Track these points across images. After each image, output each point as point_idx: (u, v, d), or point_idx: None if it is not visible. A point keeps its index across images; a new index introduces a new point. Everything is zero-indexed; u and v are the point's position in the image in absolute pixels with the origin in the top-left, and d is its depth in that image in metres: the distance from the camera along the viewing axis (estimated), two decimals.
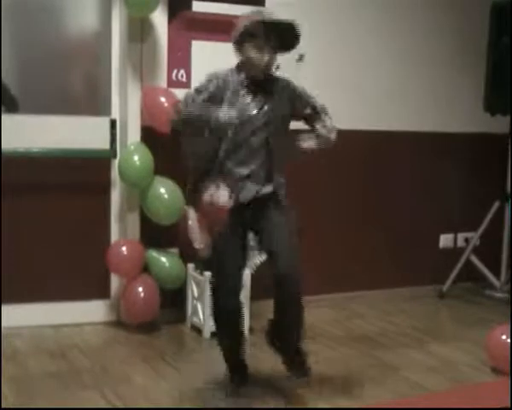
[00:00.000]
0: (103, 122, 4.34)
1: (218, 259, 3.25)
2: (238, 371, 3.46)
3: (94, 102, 4.50)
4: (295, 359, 3.35)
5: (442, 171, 5.36)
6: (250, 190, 3.17)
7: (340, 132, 4.88)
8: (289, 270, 3.16)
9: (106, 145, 4.33)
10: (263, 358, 3.75)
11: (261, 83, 3.15)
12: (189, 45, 4.45)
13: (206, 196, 2.99)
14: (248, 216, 3.21)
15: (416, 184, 5.30)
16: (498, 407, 2.80)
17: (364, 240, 5.13)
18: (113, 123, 4.34)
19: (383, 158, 5.14)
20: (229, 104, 3.09)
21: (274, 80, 3.22)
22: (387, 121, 5.11)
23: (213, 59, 4.44)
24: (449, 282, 5.26)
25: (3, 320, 4.08)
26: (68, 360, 3.76)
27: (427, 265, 5.38)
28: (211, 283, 3.39)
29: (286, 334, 3.33)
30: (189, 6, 4.42)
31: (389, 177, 5.19)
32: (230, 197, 3.01)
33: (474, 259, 5.31)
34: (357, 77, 4.97)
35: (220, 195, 2.99)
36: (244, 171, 3.15)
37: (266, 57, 3.06)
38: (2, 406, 3.14)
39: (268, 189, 3.22)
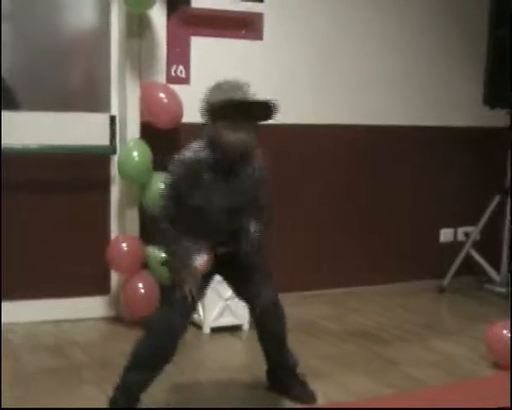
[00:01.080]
0: (103, 118, 4.34)
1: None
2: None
3: (93, 98, 4.49)
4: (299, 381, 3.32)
5: (442, 165, 5.36)
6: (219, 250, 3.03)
7: (340, 127, 4.94)
8: (272, 302, 3.18)
9: (105, 141, 4.34)
10: (261, 352, 3.77)
11: (233, 164, 2.90)
12: (188, 41, 4.45)
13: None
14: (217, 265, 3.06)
15: (415, 179, 5.30)
16: (498, 406, 2.81)
17: (364, 235, 5.13)
18: (112, 119, 4.34)
19: (382, 152, 5.14)
20: (196, 189, 2.86)
21: (249, 163, 2.95)
22: (386, 116, 5.11)
23: (212, 55, 4.47)
24: (449, 276, 5.26)
25: (3, 316, 4.09)
26: (67, 356, 3.76)
27: (427, 259, 5.38)
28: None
29: (286, 357, 3.30)
30: (188, 2, 4.42)
31: (388, 171, 5.19)
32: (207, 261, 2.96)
33: (474, 253, 5.31)
34: (355, 71, 4.97)
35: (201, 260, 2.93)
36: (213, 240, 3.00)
37: (244, 138, 2.76)
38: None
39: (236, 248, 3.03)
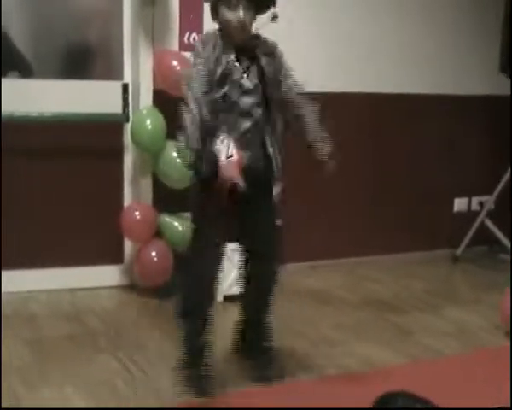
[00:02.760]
0: (115, 86, 4.31)
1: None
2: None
3: (106, 66, 4.48)
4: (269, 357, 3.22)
5: (456, 134, 5.32)
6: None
7: (353, 95, 4.90)
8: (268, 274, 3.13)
9: (118, 109, 4.31)
10: (275, 323, 3.77)
11: (245, 46, 2.93)
12: (202, 8, 4.40)
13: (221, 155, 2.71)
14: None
15: (429, 148, 5.27)
16: (498, 406, 2.80)
17: (377, 204, 5.11)
18: (125, 87, 4.32)
19: (396, 122, 5.10)
20: (218, 68, 2.85)
21: (259, 43, 2.99)
22: (400, 84, 5.06)
23: None
24: (463, 246, 5.24)
25: (20, 285, 4.13)
26: (83, 324, 3.78)
27: (442, 229, 5.36)
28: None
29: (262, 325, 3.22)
30: None
31: (402, 141, 5.16)
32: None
33: (489, 222, 5.27)
34: (367, 39, 4.91)
35: (230, 148, 2.73)
36: (235, 134, 2.87)
37: (241, 14, 2.83)
38: (19, 365, 3.19)
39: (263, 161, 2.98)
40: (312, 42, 4.72)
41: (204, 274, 2.96)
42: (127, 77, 4.33)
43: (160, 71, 4.19)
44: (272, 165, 3.00)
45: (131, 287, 4.37)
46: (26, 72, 4.24)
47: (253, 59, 2.95)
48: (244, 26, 2.87)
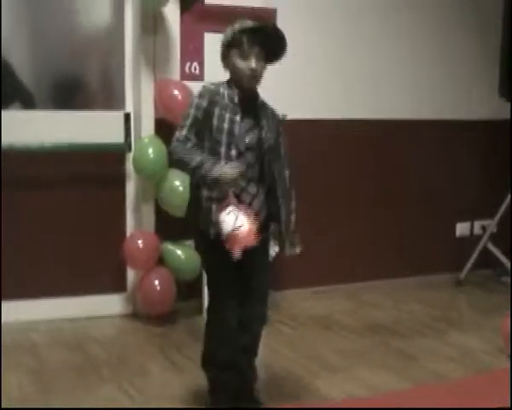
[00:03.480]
0: (117, 116, 4.34)
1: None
2: None
3: (108, 95, 4.51)
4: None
5: (457, 159, 5.34)
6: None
7: (354, 121, 4.93)
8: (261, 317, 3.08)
9: (120, 139, 4.34)
10: (278, 349, 3.78)
11: (251, 101, 2.92)
12: (202, 37, 4.44)
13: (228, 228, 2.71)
14: None
15: (431, 173, 5.28)
16: (498, 406, 2.80)
17: (380, 229, 5.12)
18: (127, 117, 4.35)
19: (398, 147, 5.12)
20: (218, 120, 2.83)
21: (263, 104, 2.98)
22: (401, 110, 5.09)
23: None
24: (466, 270, 5.24)
25: (22, 315, 4.13)
26: (86, 353, 3.77)
27: (444, 253, 5.36)
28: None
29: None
30: None
31: (405, 165, 5.17)
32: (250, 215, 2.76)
33: (491, 246, 5.28)
34: (369, 65, 4.95)
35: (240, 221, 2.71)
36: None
37: (253, 64, 2.81)
38: (21, 394, 3.19)
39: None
40: (313, 68, 4.76)
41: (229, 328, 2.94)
42: (129, 106, 4.36)
43: (161, 100, 4.22)
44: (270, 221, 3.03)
45: (134, 315, 4.37)
46: (28, 103, 4.27)
47: (256, 116, 2.92)
48: (255, 76, 2.86)
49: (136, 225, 4.37)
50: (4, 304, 4.08)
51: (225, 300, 2.92)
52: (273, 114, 3.01)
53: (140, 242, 4.19)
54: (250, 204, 2.86)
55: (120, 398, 3.20)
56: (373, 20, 4.92)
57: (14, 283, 4.12)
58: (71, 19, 4.35)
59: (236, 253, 2.70)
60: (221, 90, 2.87)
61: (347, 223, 4.99)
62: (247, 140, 2.86)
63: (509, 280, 5.15)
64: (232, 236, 2.70)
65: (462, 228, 5.47)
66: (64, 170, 4.23)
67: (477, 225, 5.46)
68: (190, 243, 4.37)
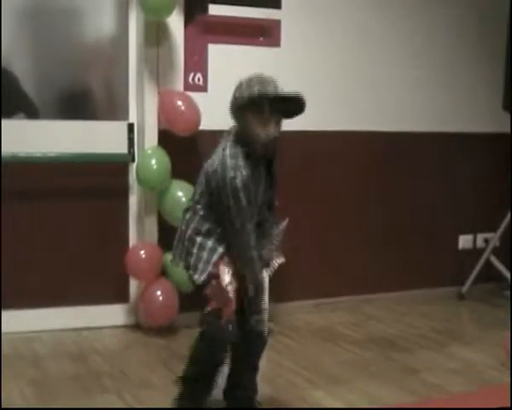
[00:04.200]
0: (121, 126, 4.35)
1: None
2: None
3: (111, 106, 4.52)
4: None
5: (461, 171, 5.33)
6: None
7: (358, 133, 4.93)
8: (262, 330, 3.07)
9: (124, 149, 4.35)
10: (279, 361, 3.77)
11: (261, 154, 2.84)
12: (206, 49, 4.45)
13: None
14: None
15: (434, 185, 5.27)
16: (498, 406, 2.80)
17: (382, 242, 5.11)
18: (130, 127, 4.35)
19: (401, 159, 5.12)
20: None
21: (272, 151, 2.89)
22: (404, 122, 5.09)
23: (230, 62, 4.47)
24: (468, 283, 5.23)
25: (24, 325, 4.13)
26: (88, 364, 3.77)
27: (447, 266, 5.35)
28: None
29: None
30: (206, 9, 4.42)
31: (407, 178, 5.17)
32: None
33: (494, 259, 5.27)
34: (373, 77, 4.95)
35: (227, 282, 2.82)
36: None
37: (272, 131, 2.74)
38: (23, 405, 3.19)
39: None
40: (317, 80, 4.76)
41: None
42: (132, 117, 4.37)
43: (164, 111, 4.23)
44: None
45: (137, 326, 4.36)
46: (32, 113, 4.28)
47: (265, 168, 2.88)
48: (272, 141, 2.78)
49: (139, 236, 4.37)
50: (7, 313, 4.07)
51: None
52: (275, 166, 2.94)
53: (143, 253, 4.19)
54: None
55: (123, 409, 3.20)
56: (376, 33, 4.92)
57: (16, 292, 4.12)
58: (75, 29, 4.36)
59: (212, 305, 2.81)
60: (239, 159, 2.74)
61: (349, 236, 4.98)
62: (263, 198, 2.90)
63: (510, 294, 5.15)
64: (221, 291, 2.80)
65: (464, 241, 5.46)
66: (67, 180, 4.22)
67: (480, 237, 5.45)
68: None
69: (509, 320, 4.05)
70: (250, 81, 2.74)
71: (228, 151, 2.76)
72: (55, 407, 3.11)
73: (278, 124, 2.77)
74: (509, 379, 3.42)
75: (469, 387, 3.56)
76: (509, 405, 3.04)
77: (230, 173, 2.71)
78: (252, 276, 2.90)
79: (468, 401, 3.41)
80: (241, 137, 2.78)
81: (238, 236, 2.79)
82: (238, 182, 2.71)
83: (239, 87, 2.75)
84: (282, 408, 3.24)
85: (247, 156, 2.75)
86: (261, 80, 2.73)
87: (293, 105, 2.78)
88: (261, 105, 2.70)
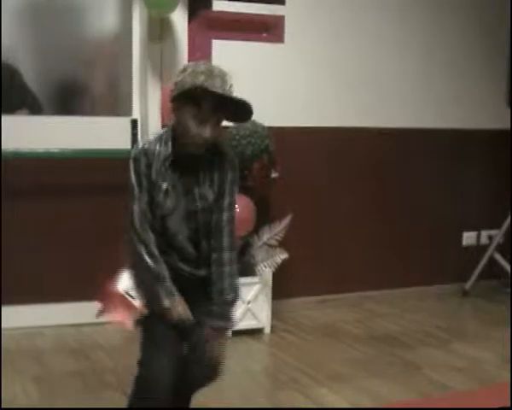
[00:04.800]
0: (124, 122, 4.34)
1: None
2: None
3: (115, 102, 4.52)
4: None
5: (465, 168, 5.32)
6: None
7: (362, 130, 4.92)
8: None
9: (127, 145, 4.33)
10: (283, 357, 3.76)
11: (194, 158, 2.43)
12: (210, 44, 4.44)
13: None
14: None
15: (438, 182, 5.26)
16: (498, 406, 2.79)
17: (385, 239, 5.10)
18: (134, 123, 4.35)
19: (404, 156, 5.11)
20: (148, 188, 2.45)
21: (215, 153, 2.46)
22: (409, 118, 5.08)
23: (233, 58, 4.45)
24: (472, 280, 5.22)
25: (27, 320, 4.14)
26: (91, 360, 3.77)
27: (450, 263, 5.34)
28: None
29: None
30: (209, 5, 4.41)
31: (411, 174, 5.16)
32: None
33: (498, 256, 5.26)
34: (376, 73, 4.94)
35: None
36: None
37: (208, 133, 2.34)
38: (26, 401, 3.19)
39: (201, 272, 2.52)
40: (321, 76, 4.76)
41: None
42: (136, 113, 4.36)
43: (167, 107, 4.22)
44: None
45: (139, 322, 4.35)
46: (36, 109, 4.28)
47: (198, 175, 2.46)
48: (207, 143, 2.38)
49: None
50: (10, 309, 4.08)
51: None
52: (224, 167, 2.48)
53: None
54: None
55: (125, 405, 3.19)
56: (380, 29, 4.91)
57: (19, 288, 4.12)
58: (79, 25, 4.36)
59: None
60: (156, 148, 2.42)
61: (353, 232, 4.98)
62: (183, 209, 2.47)
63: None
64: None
65: (468, 238, 5.45)
66: (70, 176, 4.22)
67: (484, 234, 5.44)
68: None
69: (510, 317, 4.05)
70: (196, 68, 2.33)
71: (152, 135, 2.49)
72: (56, 408, 3.10)
73: (217, 125, 2.38)
74: (509, 379, 3.41)
75: (473, 385, 3.55)
76: (509, 404, 3.03)
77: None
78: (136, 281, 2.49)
79: (468, 400, 3.40)
80: (175, 131, 2.42)
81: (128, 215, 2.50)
82: (134, 151, 2.47)
83: (182, 72, 2.35)
84: (284, 408, 3.24)
85: (173, 150, 2.40)
86: (209, 72, 2.32)
87: (240, 109, 2.37)
88: (199, 97, 2.30)
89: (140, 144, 2.49)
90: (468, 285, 5.22)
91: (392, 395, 3.39)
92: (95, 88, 4.52)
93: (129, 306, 2.55)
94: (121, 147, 4.32)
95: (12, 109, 4.13)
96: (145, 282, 2.47)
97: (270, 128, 4.24)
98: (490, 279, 5.33)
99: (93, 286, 4.29)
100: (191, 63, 2.41)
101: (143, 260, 2.43)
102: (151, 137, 2.48)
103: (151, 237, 2.46)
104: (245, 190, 4.22)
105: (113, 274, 4.33)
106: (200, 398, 3.26)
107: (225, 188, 2.47)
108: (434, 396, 3.39)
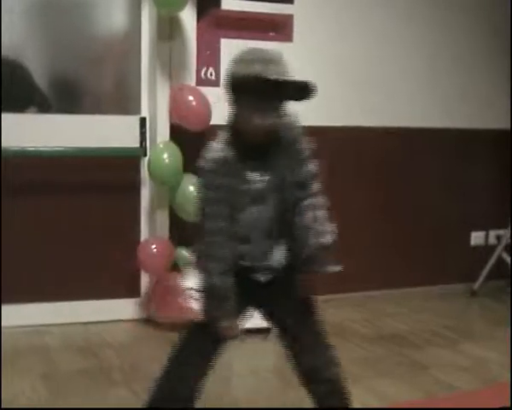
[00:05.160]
0: (133, 121, 4.35)
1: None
2: None
3: (124, 100, 4.52)
4: None
5: (472, 167, 5.31)
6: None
7: (369, 129, 4.91)
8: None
9: (135, 144, 4.35)
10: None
11: (261, 147, 2.35)
12: (218, 43, 4.45)
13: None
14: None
15: (445, 182, 5.26)
16: (498, 406, 2.78)
17: (391, 238, 5.10)
18: (142, 121, 4.36)
19: (410, 155, 5.11)
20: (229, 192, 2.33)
21: (278, 138, 2.39)
22: (416, 118, 5.08)
23: None
24: (480, 280, 5.21)
25: (34, 318, 4.16)
26: (99, 358, 3.78)
27: (458, 263, 5.33)
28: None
29: None
30: (218, 4, 4.42)
31: (417, 174, 5.15)
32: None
33: (506, 256, 5.25)
34: (383, 74, 4.94)
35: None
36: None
37: (269, 120, 2.26)
38: (34, 398, 3.20)
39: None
40: (330, 75, 4.75)
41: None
42: (144, 111, 4.37)
43: (176, 105, 4.23)
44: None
45: (148, 321, 4.37)
46: (44, 107, 4.29)
47: (269, 161, 2.39)
48: (270, 133, 2.32)
49: (151, 230, 4.37)
50: (18, 307, 4.10)
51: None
52: (290, 144, 2.45)
53: (154, 247, 4.20)
54: None
55: (133, 403, 3.20)
56: (387, 28, 4.91)
57: (27, 286, 4.13)
58: (87, 24, 4.37)
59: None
60: (222, 155, 2.33)
61: (359, 231, 4.97)
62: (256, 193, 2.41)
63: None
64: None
65: (476, 237, 5.44)
66: (79, 174, 4.24)
67: (492, 234, 5.43)
68: None
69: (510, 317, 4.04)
70: (249, 56, 2.28)
71: (214, 143, 2.39)
72: (57, 408, 3.11)
73: (278, 110, 2.30)
74: (509, 379, 3.40)
75: (479, 385, 3.55)
76: (509, 404, 3.03)
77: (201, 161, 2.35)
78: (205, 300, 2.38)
79: (468, 400, 3.39)
80: (233, 124, 2.35)
81: (199, 232, 2.39)
82: (202, 164, 2.35)
83: (236, 62, 2.30)
84: (292, 408, 3.24)
85: (235, 147, 2.32)
86: (262, 58, 2.25)
87: (300, 88, 2.31)
88: (258, 88, 2.22)
89: (207, 155, 2.36)
90: (476, 285, 5.21)
91: (399, 394, 3.39)
92: (103, 86, 4.52)
93: (184, 305, 2.45)
94: (130, 145, 4.34)
95: (21, 108, 4.14)
96: (208, 296, 2.38)
97: None
98: (498, 279, 5.32)
99: (100, 284, 4.34)
100: (243, 51, 2.32)
101: (212, 278, 2.34)
102: (211, 145, 2.38)
103: (226, 253, 2.35)
104: None
105: (123, 272, 4.37)
106: (206, 397, 3.28)
107: (301, 170, 2.47)
108: (437, 397, 3.38)
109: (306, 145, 2.49)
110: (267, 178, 2.37)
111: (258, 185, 2.36)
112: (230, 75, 2.30)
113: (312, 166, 2.54)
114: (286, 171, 2.40)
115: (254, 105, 2.24)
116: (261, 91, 2.22)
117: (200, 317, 2.39)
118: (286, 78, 2.27)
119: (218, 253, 2.34)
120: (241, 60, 2.29)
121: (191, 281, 2.42)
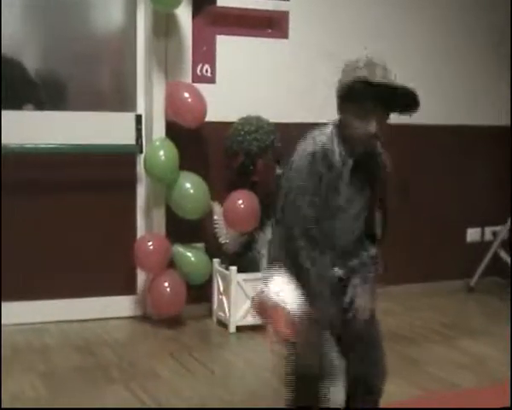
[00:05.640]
0: (129, 117, 4.34)
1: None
2: None
3: (119, 97, 4.51)
4: None
5: (469, 164, 5.31)
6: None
7: None
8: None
9: (131, 140, 4.34)
10: None
11: (362, 158, 2.46)
12: (214, 40, 4.44)
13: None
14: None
15: (442, 178, 5.25)
16: (498, 406, 2.78)
17: (390, 234, 5.08)
18: (138, 118, 4.35)
19: (409, 152, 5.09)
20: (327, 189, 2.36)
21: (375, 155, 2.55)
22: (413, 115, 5.05)
23: (238, 54, 4.46)
24: (476, 276, 5.21)
25: (32, 316, 4.15)
26: (95, 355, 3.77)
27: (455, 259, 5.33)
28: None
29: None
30: (214, 1, 4.41)
31: (415, 171, 5.14)
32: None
33: (502, 253, 5.25)
34: None
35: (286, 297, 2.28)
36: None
37: (373, 127, 2.31)
38: (32, 396, 3.20)
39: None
40: (325, 72, 4.75)
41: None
42: (140, 108, 4.36)
43: (172, 102, 4.22)
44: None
45: (144, 318, 4.36)
46: (41, 104, 4.27)
47: (366, 175, 2.54)
48: (373, 138, 2.40)
49: (147, 227, 4.36)
50: (15, 305, 4.09)
51: None
52: (380, 162, 2.63)
53: (150, 244, 4.18)
54: None
55: (130, 401, 3.20)
56: (384, 24, 4.90)
57: (24, 284, 4.12)
58: (83, 21, 4.35)
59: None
60: (329, 147, 2.38)
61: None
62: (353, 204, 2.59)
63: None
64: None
65: (472, 234, 5.44)
66: (75, 171, 4.22)
67: (488, 230, 5.43)
68: (200, 245, 4.39)
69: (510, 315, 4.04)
70: (357, 63, 2.34)
71: (317, 133, 2.43)
72: (55, 408, 3.11)
73: (383, 119, 2.37)
74: (510, 378, 3.40)
75: (478, 381, 3.55)
76: (509, 404, 3.03)
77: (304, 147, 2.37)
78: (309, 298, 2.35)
79: (476, 395, 3.39)
80: (341, 129, 2.40)
81: (287, 234, 2.39)
82: (310, 150, 2.36)
83: (345, 70, 2.37)
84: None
85: (346, 148, 2.38)
86: (369, 63, 2.32)
87: (406, 99, 2.40)
88: (363, 94, 2.27)
89: (316, 143, 2.38)
90: (472, 282, 5.21)
91: (396, 391, 3.37)
92: (99, 83, 4.51)
93: (281, 312, 2.26)
94: (126, 142, 4.33)
95: (18, 105, 4.13)
96: (317, 284, 2.41)
97: (275, 124, 4.24)
98: (495, 275, 5.32)
99: (97, 282, 4.33)
100: (352, 60, 2.38)
101: (309, 276, 2.37)
102: (319, 134, 2.42)
103: (320, 250, 2.39)
104: (250, 185, 4.23)
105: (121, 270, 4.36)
106: (205, 394, 3.28)
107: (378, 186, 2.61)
108: (437, 395, 3.38)
109: (386, 159, 2.66)
110: (359, 184, 2.49)
111: (351, 188, 2.46)
112: (340, 82, 2.36)
113: (388, 182, 2.70)
114: (372, 181, 2.56)
115: (359, 110, 2.31)
116: (365, 95, 2.28)
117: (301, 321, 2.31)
118: (389, 83, 2.32)
119: (313, 251, 2.37)
120: (350, 67, 2.36)
121: (276, 286, 2.31)
